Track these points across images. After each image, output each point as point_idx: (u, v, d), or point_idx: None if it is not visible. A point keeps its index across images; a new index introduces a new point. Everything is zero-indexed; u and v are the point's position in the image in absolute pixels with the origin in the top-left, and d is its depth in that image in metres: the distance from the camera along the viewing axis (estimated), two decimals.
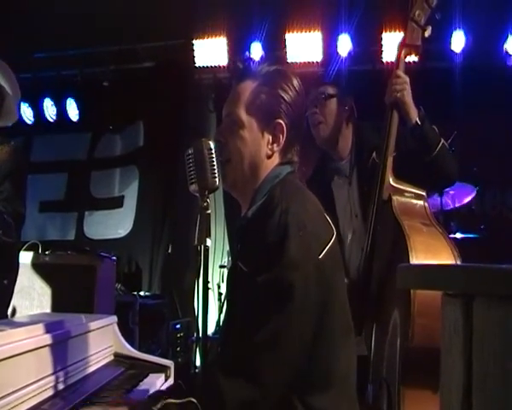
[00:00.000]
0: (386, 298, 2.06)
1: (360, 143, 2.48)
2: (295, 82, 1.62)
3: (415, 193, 2.17)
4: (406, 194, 2.15)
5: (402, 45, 2.22)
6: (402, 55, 2.22)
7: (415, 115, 2.20)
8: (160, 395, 1.48)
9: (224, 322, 1.71)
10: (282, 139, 1.59)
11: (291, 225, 1.41)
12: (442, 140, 2.22)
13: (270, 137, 1.59)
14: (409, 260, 1.89)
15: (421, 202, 2.17)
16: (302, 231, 1.42)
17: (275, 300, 1.39)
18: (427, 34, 2.19)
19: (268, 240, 1.42)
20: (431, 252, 1.95)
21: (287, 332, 1.38)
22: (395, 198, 2.13)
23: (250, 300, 1.43)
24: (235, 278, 1.60)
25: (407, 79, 2.20)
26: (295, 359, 1.41)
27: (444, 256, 1.95)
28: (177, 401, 1.36)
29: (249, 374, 1.36)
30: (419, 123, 2.19)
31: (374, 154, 2.35)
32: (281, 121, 1.58)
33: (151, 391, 1.86)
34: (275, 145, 1.59)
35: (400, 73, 2.20)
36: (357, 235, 2.43)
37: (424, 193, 2.20)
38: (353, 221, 2.45)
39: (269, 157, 1.59)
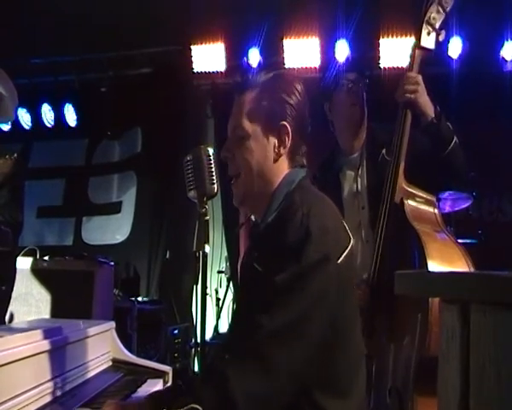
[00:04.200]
0: (396, 304, 2.04)
1: (371, 139, 2.50)
2: (296, 84, 1.61)
3: (426, 198, 2.14)
4: (418, 199, 2.13)
5: (415, 48, 2.19)
6: (416, 57, 2.20)
7: (431, 113, 2.18)
8: (158, 397, 1.45)
9: (232, 324, 1.70)
10: (288, 141, 1.57)
11: (312, 227, 1.41)
12: (455, 137, 2.21)
13: (276, 141, 1.57)
14: (426, 267, 1.87)
15: (431, 209, 2.15)
16: (323, 233, 1.42)
17: (291, 297, 1.38)
18: (441, 38, 2.18)
19: (288, 242, 1.41)
20: (446, 260, 1.92)
21: (302, 328, 1.37)
22: (407, 202, 2.10)
23: (264, 297, 1.40)
24: (249, 281, 1.58)
25: (419, 79, 2.17)
26: (307, 357, 1.38)
27: (458, 264, 1.93)
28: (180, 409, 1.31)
29: (261, 367, 1.34)
30: (435, 121, 2.17)
31: (383, 150, 2.36)
32: (285, 123, 1.57)
33: None
34: (281, 148, 1.57)
35: (412, 73, 2.18)
36: (362, 227, 2.43)
37: (435, 199, 2.18)
38: (360, 213, 2.46)
39: (276, 161, 1.58)
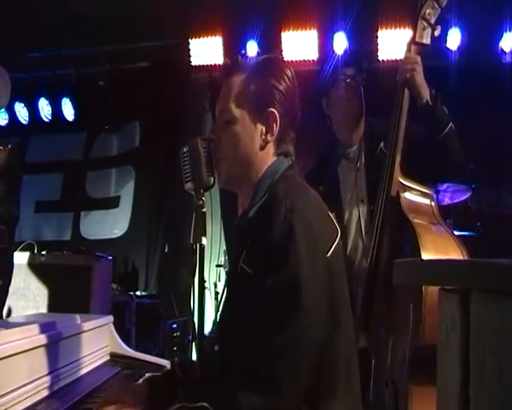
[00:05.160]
0: (392, 296, 2.04)
1: (370, 133, 2.51)
2: (286, 69, 1.58)
3: (422, 191, 2.14)
4: (414, 192, 2.13)
5: (410, 43, 2.20)
6: (411, 52, 2.20)
7: (426, 95, 2.19)
8: (153, 381, 1.44)
9: (221, 322, 1.68)
10: (276, 128, 1.53)
11: (297, 223, 1.37)
12: (451, 123, 2.21)
13: (264, 128, 1.53)
14: (420, 258, 1.87)
15: (427, 201, 2.14)
16: (308, 229, 1.38)
17: (287, 302, 1.34)
18: (436, 33, 2.18)
19: (274, 240, 1.37)
20: (440, 251, 1.92)
21: (303, 337, 1.34)
22: (403, 195, 2.10)
23: (260, 303, 1.37)
24: (237, 280, 1.55)
25: (418, 60, 2.18)
26: (312, 364, 1.36)
27: (453, 255, 1.92)
28: (191, 405, 1.30)
29: (265, 382, 1.31)
30: (430, 103, 2.18)
31: (382, 144, 2.37)
32: (273, 110, 1.52)
33: None
34: (268, 135, 1.53)
35: (411, 53, 2.19)
36: (362, 220, 2.45)
37: (431, 192, 2.18)
38: (359, 206, 2.47)
39: (262, 148, 1.54)
